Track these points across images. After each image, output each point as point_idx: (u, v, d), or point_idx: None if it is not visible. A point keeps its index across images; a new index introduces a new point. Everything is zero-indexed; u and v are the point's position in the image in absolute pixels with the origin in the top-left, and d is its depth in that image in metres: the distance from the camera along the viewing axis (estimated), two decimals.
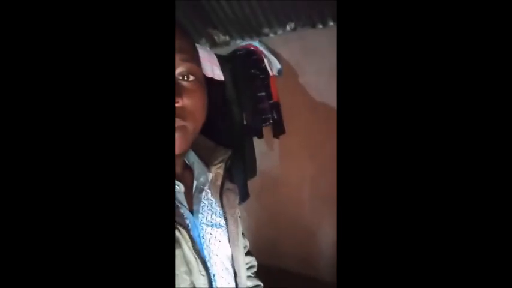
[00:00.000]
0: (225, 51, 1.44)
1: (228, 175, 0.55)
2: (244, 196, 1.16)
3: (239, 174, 1.11)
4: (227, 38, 1.56)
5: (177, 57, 0.40)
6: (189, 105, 0.42)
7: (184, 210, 0.46)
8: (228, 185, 0.54)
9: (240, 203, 1.14)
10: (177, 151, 0.43)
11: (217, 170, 0.52)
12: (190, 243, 0.42)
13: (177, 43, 0.41)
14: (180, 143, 0.42)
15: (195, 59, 0.44)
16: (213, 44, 1.60)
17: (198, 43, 1.54)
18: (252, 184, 1.44)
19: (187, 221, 0.45)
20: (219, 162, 0.53)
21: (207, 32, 1.49)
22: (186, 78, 0.42)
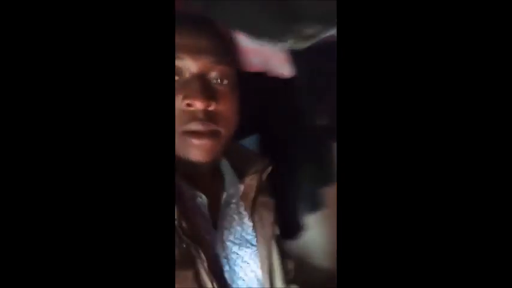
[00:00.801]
0: (306, 45, 1.34)
1: (265, 188, 0.48)
2: (315, 206, 1.06)
3: (311, 181, 1.02)
4: (311, 30, 1.46)
5: (210, 60, 0.39)
6: (222, 110, 0.40)
7: (206, 225, 0.41)
8: (263, 199, 0.48)
9: (311, 212, 1.05)
10: (207, 158, 0.40)
11: (251, 182, 0.47)
12: (206, 264, 0.37)
13: (208, 44, 0.40)
14: (211, 149, 0.40)
15: (231, 62, 0.42)
16: (297, 39, 1.52)
17: (280, 40, 1.49)
18: (331, 192, 1.31)
19: (208, 237, 0.40)
20: (253, 173, 0.47)
21: (290, 27, 1.42)
22: (219, 82, 0.40)
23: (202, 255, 0.37)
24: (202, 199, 0.41)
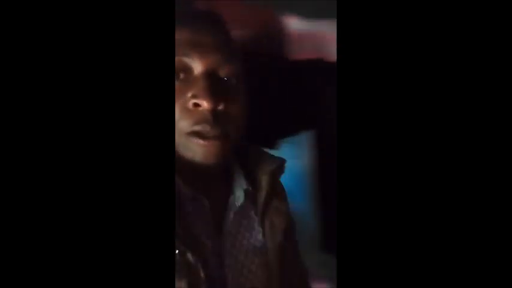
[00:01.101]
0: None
1: (278, 191, 0.44)
2: None
3: None
4: None
5: (218, 58, 0.38)
6: (231, 110, 0.39)
7: (207, 230, 0.40)
8: (276, 203, 0.44)
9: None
10: (214, 160, 0.39)
11: (262, 184, 0.43)
12: (202, 274, 0.36)
13: (216, 42, 0.38)
14: (219, 151, 0.38)
15: (240, 60, 0.41)
16: None
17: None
18: None
19: (210, 243, 0.39)
20: (265, 174, 0.43)
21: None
22: (228, 80, 0.39)
23: (199, 265, 0.35)
24: (204, 202, 0.39)
